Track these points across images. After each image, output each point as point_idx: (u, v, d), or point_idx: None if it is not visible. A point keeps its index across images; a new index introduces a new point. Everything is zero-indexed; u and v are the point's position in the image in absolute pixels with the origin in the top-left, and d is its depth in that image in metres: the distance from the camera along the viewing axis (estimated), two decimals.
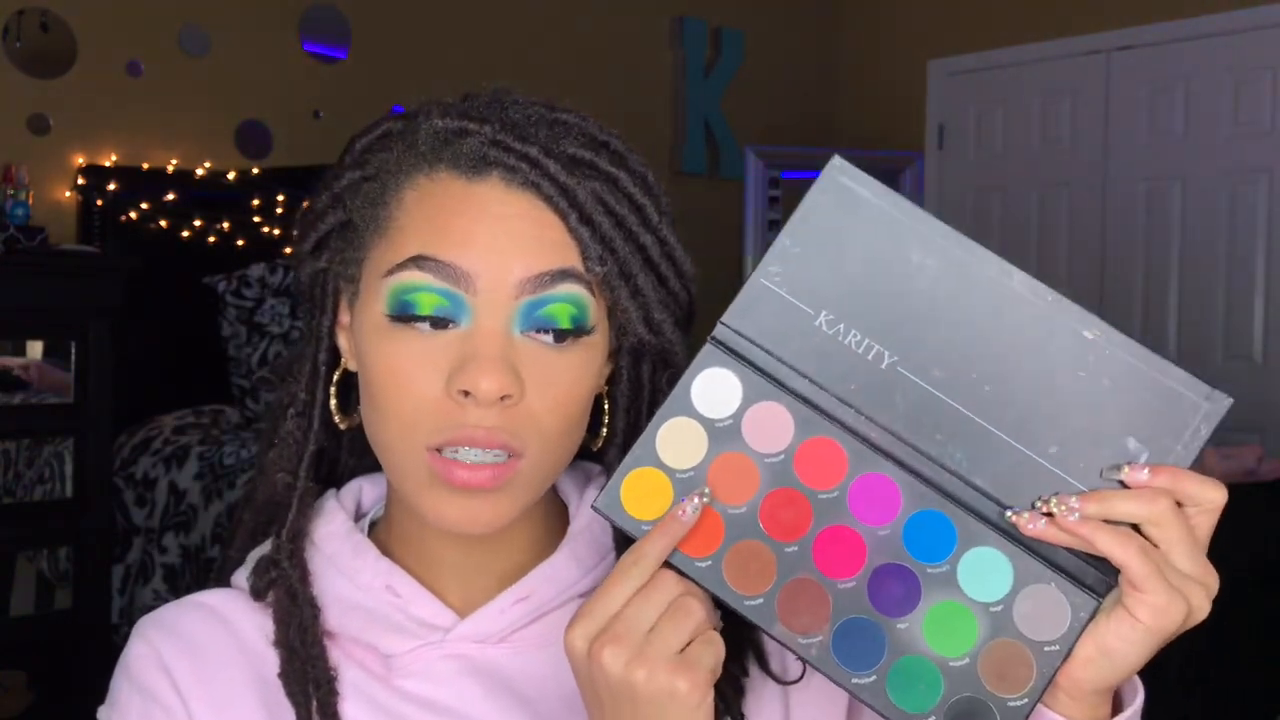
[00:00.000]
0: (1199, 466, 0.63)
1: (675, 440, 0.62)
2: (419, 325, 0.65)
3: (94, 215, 3.04)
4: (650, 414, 0.72)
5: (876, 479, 0.60)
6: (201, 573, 2.56)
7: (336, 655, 0.70)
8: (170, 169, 3.18)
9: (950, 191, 4.67)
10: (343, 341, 0.73)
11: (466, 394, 0.64)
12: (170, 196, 3.13)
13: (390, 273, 0.66)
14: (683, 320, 0.72)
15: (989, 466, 0.59)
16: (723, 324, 0.62)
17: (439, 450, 0.65)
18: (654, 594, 0.59)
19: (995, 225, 4.58)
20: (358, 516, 0.77)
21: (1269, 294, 3.94)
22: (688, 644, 0.59)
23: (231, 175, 3.28)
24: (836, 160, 0.61)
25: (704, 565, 0.60)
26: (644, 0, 4.37)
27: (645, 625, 0.59)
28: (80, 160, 3.07)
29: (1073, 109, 4.36)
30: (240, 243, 3.23)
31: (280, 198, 3.32)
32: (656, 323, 0.70)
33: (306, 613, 0.69)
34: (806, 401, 0.61)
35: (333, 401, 0.73)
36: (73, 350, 2.59)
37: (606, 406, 0.73)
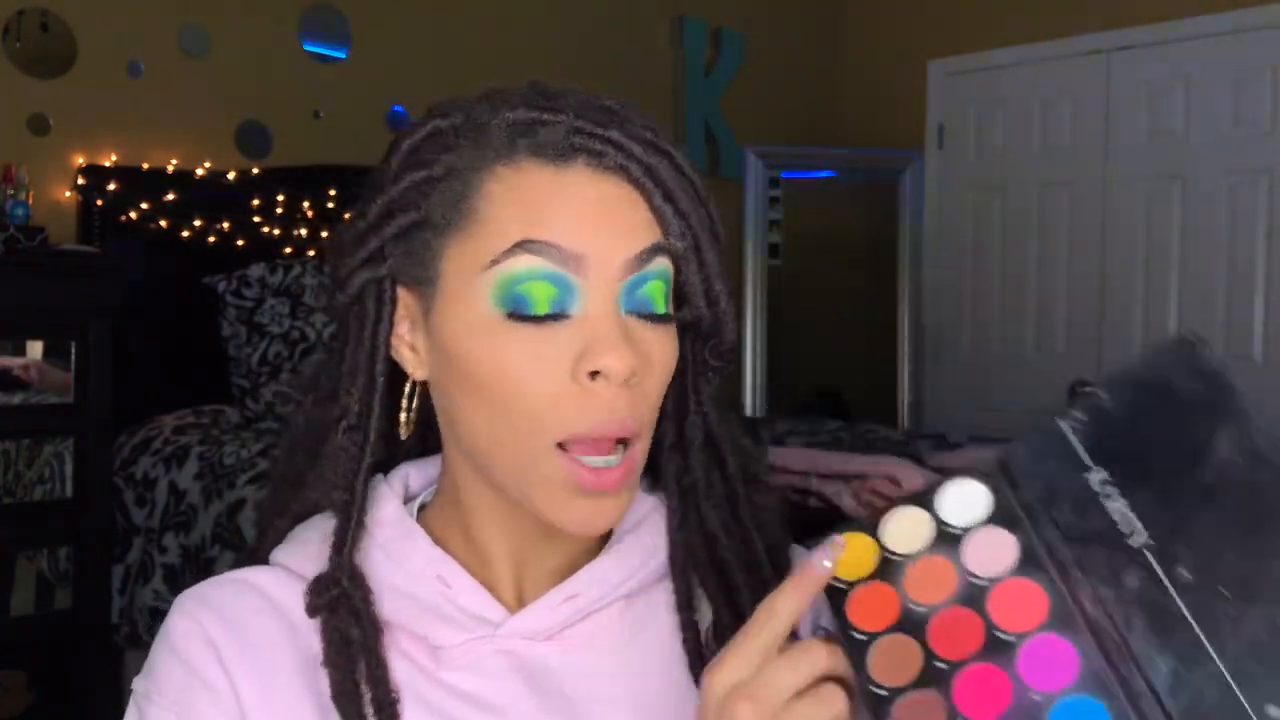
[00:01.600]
0: None
1: (905, 526, 0.61)
2: (532, 316, 0.65)
3: (94, 215, 3.04)
4: (696, 387, 0.75)
5: (1061, 645, 0.56)
6: (202, 572, 2.56)
7: (386, 645, 0.70)
8: (170, 169, 3.18)
9: (950, 191, 4.67)
10: (405, 353, 0.72)
11: (593, 376, 0.64)
12: (170, 196, 3.13)
13: (495, 263, 0.66)
14: (730, 294, 0.73)
15: (1189, 695, 0.52)
16: (1012, 444, 0.61)
17: (566, 447, 0.66)
18: (802, 664, 0.59)
19: (995, 225, 4.58)
20: (405, 501, 0.77)
21: (1269, 294, 3.94)
22: None
23: (231, 175, 3.28)
24: (1189, 335, 0.61)
25: (859, 637, 0.60)
26: (644, 0, 4.36)
27: (787, 692, 0.58)
28: (80, 160, 3.07)
29: (1073, 109, 4.36)
30: (240, 243, 3.23)
31: (280, 198, 3.32)
32: (715, 294, 0.71)
33: (371, 634, 0.68)
34: (1038, 544, 0.58)
35: (404, 414, 0.73)
36: (73, 350, 2.58)
37: None
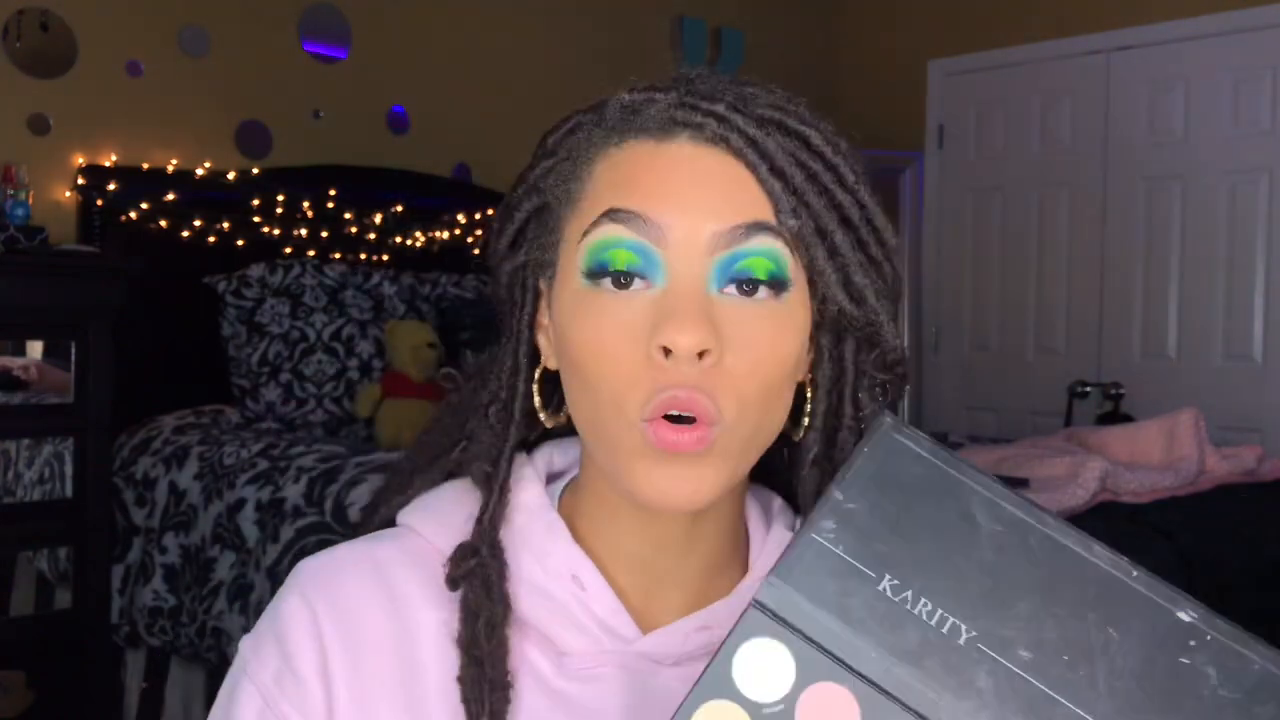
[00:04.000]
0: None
1: None
2: (613, 287, 0.64)
3: (94, 215, 3.04)
4: (854, 399, 0.70)
5: None
6: (201, 572, 2.57)
7: (517, 641, 0.68)
8: (170, 169, 3.18)
9: (950, 191, 4.67)
10: (542, 341, 0.72)
11: (666, 352, 0.62)
12: (170, 196, 3.13)
13: (585, 234, 0.65)
14: (887, 294, 0.68)
15: None
16: (769, 584, 0.51)
17: (649, 423, 0.63)
18: None
19: (995, 225, 4.58)
20: (548, 481, 0.76)
21: (1269, 294, 3.94)
22: None
23: (231, 175, 3.28)
24: (888, 417, 0.55)
25: None
26: (644, 0, 4.37)
27: None
28: (80, 160, 3.07)
29: (1073, 109, 4.36)
30: (240, 243, 3.23)
31: (280, 198, 3.32)
32: (858, 288, 0.67)
33: (497, 610, 0.67)
34: (874, 684, 0.51)
35: (536, 399, 0.72)
36: (73, 350, 2.58)
37: (809, 394, 0.70)
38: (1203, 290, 4.07)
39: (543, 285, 0.71)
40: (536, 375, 0.73)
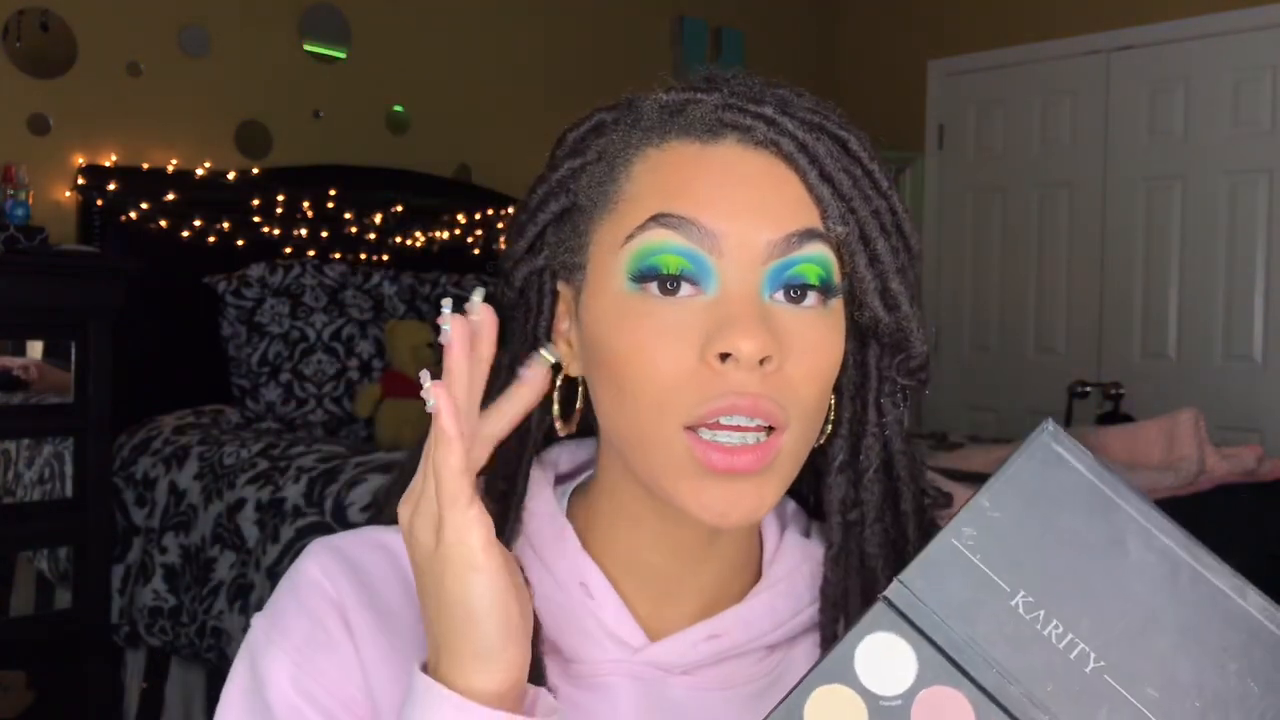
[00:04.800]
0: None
1: (828, 712, 0.50)
2: (664, 294, 0.62)
3: (94, 215, 3.04)
4: (878, 405, 0.69)
5: None
6: (201, 572, 2.56)
7: None
8: (170, 169, 3.18)
9: (950, 191, 4.67)
10: (561, 347, 0.69)
11: (723, 359, 0.60)
12: (170, 196, 3.13)
13: (630, 238, 0.63)
14: (917, 300, 0.68)
15: None
16: (900, 583, 0.51)
17: (696, 430, 0.61)
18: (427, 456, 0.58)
19: (995, 225, 4.58)
20: (556, 482, 0.74)
21: (1269, 294, 3.94)
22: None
23: (231, 175, 3.28)
24: (1050, 425, 0.53)
25: None
26: (644, 0, 4.37)
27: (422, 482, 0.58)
28: (80, 160, 3.07)
29: (1073, 109, 4.36)
30: (240, 243, 3.23)
31: (280, 198, 3.32)
32: (894, 295, 0.66)
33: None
34: (992, 698, 0.50)
35: (555, 407, 0.69)
36: (73, 350, 2.58)
37: (833, 400, 0.69)
38: (1203, 290, 4.07)
39: (563, 289, 0.69)
40: (558, 383, 0.70)
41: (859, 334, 0.68)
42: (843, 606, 0.70)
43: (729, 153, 0.64)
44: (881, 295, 0.66)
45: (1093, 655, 0.49)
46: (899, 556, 0.69)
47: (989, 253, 4.60)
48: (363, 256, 3.48)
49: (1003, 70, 4.51)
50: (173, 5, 3.25)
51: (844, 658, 0.50)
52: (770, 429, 0.61)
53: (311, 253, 3.33)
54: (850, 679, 0.50)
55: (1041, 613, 0.50)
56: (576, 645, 0.68)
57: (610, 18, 4.22)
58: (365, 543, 0.70)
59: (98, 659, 2.63)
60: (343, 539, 0.70)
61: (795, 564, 0.72)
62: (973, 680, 0.50)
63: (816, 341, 0.63)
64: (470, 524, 0.56)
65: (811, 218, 0.63)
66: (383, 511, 0.77)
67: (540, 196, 0.69)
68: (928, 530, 0.70)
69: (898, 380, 0.70)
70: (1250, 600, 0.50)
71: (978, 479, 2.26)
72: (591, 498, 0.72)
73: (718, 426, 0.61)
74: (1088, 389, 4.10)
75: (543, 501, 0.71)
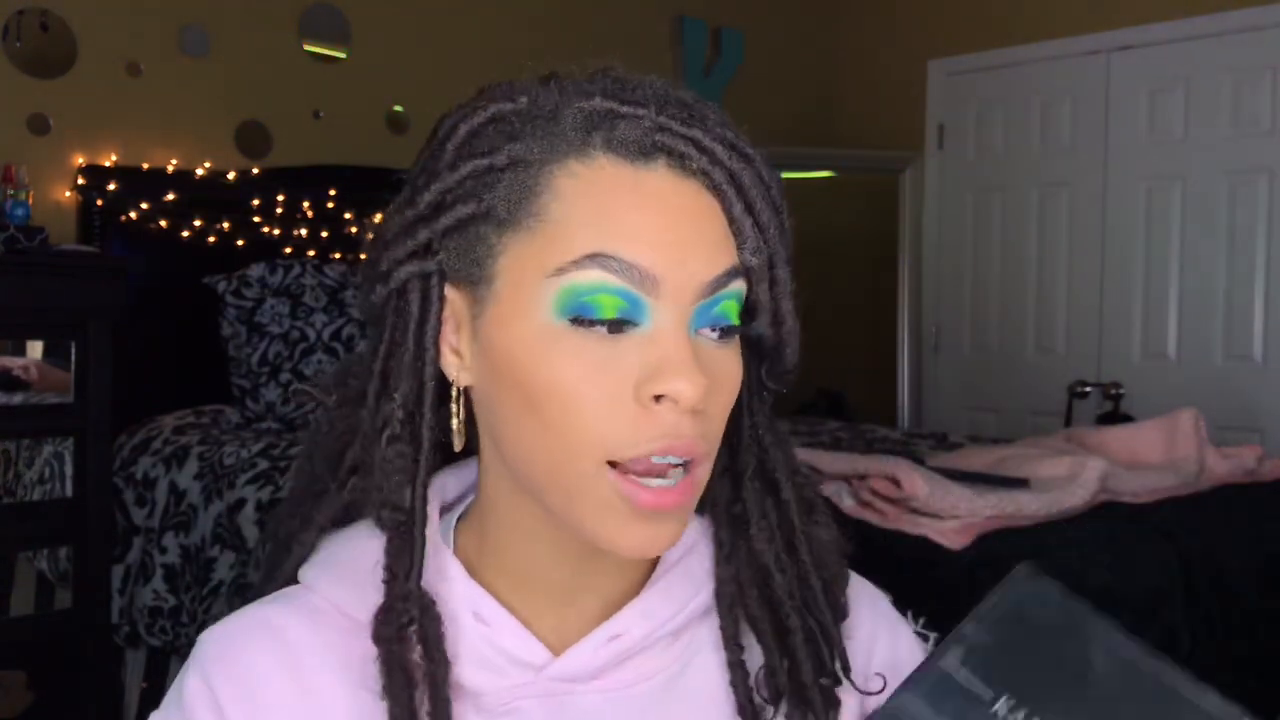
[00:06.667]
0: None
1: None
2: (597, 329, 0.60)
3: (94, 215, 3.04)
4: (751, 409, 0.70)
5: None
6: (201, 572, 2.57)
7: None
8: (170, 169, 3.18)
9: (950, 191, 4.67)
10: (447, 355, 0.66)
11: (658, 399, 0.60)
12: (170, 196, 3.13)
13: (561, 271, 0.60)
14: (796, 309, 0.68)
15: None
16: (896, 696, 0.58)
17: (620, 467, 0.60)
18: None
19: (995, 225, 4.58)
20: (441, 513, 0.72)
21: (1269, 294, 3.94)
22: None
23: (231, 175, 3.28)
24: (1024, 567, 0.60)
25: None
26: (644, 0, 4.37)
27: None
28: (80, 160, 3.07)
29: (1073, 109, 4.36)
30: (240, 243, 3.23)
31: (280, 198, 3.32)
32: (783, 314, 0.67)
33: (440, 671, 0.64)
34: None
35: (455, 421, 0.67)
36: (73, 350, 2.58)
37: None
38: (1203, 290, 4.07)
39: (453, 295, 0.66)
40: (455, 395, 0.67)
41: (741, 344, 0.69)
42: (740, 604, 0.71)
43: (662, 182, 0.62)
44: (773, 315, 0.67)
45: None
46: (789, 543, 0.71)
47: (989, 253, 4.60)
48: (363, 256, 3.47)
49: (1003, 70, 4.51)
50: (173, 5, 3.25)
51: None
52: (687, 462, 0.62)
53: (311, 253, 3.33)
54: None
55: (1023, 714, 0.56)
56: (480, 678, 0.66)
57: (610, 18, 4.22)
58: (246, 629, 0.68)
59: (98, 659, 2.63)
60: (225, 629, 0.69)
61: (690, 543, 0.72)
62: None
63: (732, 374, 0.65)
64: None
65: (732, 252, 0.63)
66: (287, 550, 0.74)
67: (436, 197, 0.64)
68: (810, 508, 0.72)
69: (768, 386, 0.71)
70: (1209, 702, 0.55)
71: (978, 479, 2.26)
72: (477, 521, 0.70)
73: (647, 466, 0.60)
74: (1088, 389, 4.10)
75: (429, 531, 0.68)
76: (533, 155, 0.63)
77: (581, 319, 0.60)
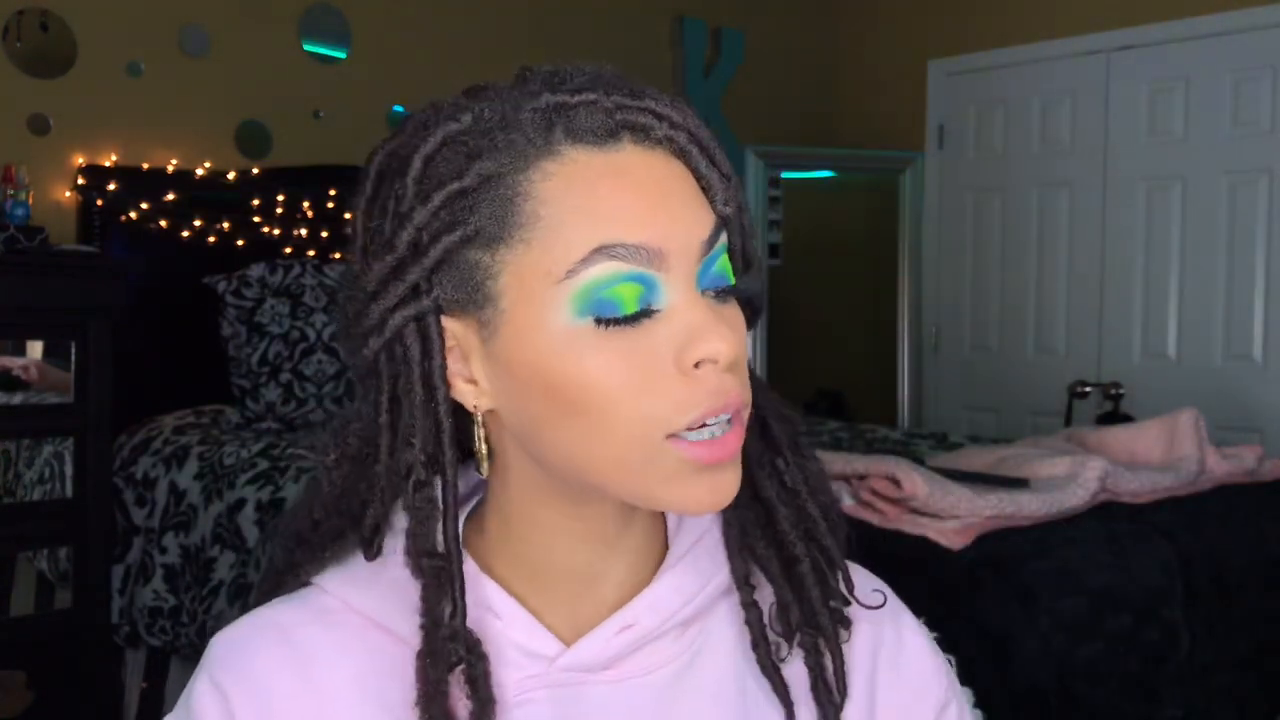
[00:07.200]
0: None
1: None
2: (620, 324, 0.61)
3: (94, 215, 3.04)
4: None
5: None
6: (202, 572, 2.57)
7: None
8: (170, 169, 3.18)
9: (950, 191, 4.67)
10: (459, 386, 0.66)
11: (698, 365, 0.62)
12: (170, 196, 3.13)
13: (571, 273, 0.60)
14: (756, 257, 0.71)
15: None
16: None
17: (679, 436, 0.62)
18: None
19: (995, 225, 4.58)
20: None
21: (1269, 294, 3.94)
22: None
23: (231, 175, 3.28)
24: None
25: None
26: (644, 0, 4.37)
27: None
28: (80, 160, 3.07)
29: (1073, 109, 4.36)
30: (240, 243, 3.23)
31: (280, 198, 3.32)
32: (751, 255, 0.69)
33: (488, 711, 0.64)
34: None
35: (484, 446, 0.67)
36: (73, 350, 2.58)
37: None
38: (1203, 290, 4.07)
39: (452, 325, 0.65)
40: (480, 420, 0.67)
41: None
42: (750, 549, 0.72)
43: (632, 158, 0.63)
44: (744, 258, 0.68)
45: None
46: (781, 480, 0.72)
47: (989, 253, 4.60)
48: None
49: (1003, 70, 4.51)
50: (173, 5, 3.25)
51: None
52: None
53: (311, 253, 3.33)
54: None
55: None
56: (494, 672, 0.66)
57: (610, 18, 4.22)
58: (256, 630, 0.70)
59: (98, 659, 2.63)
60: (235, 632, 0.70)
61: (698, 535, 0.73)
62: None
63: (742, 324, 0.67)
64: None
65: (709, 207, 0.65)
66: (272, 539, 0.75)
67: (414, 235, 0.63)
68: (796, 442, 0.73)
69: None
70: None
71: (978, 479, 2.26)
72: (490, 522, 0.71)
73: (701, 428, 0.62)
74: (1088, 389, 4.10)
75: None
76: (502, 167, 0.62)
77: (604, 318, 0.61)
